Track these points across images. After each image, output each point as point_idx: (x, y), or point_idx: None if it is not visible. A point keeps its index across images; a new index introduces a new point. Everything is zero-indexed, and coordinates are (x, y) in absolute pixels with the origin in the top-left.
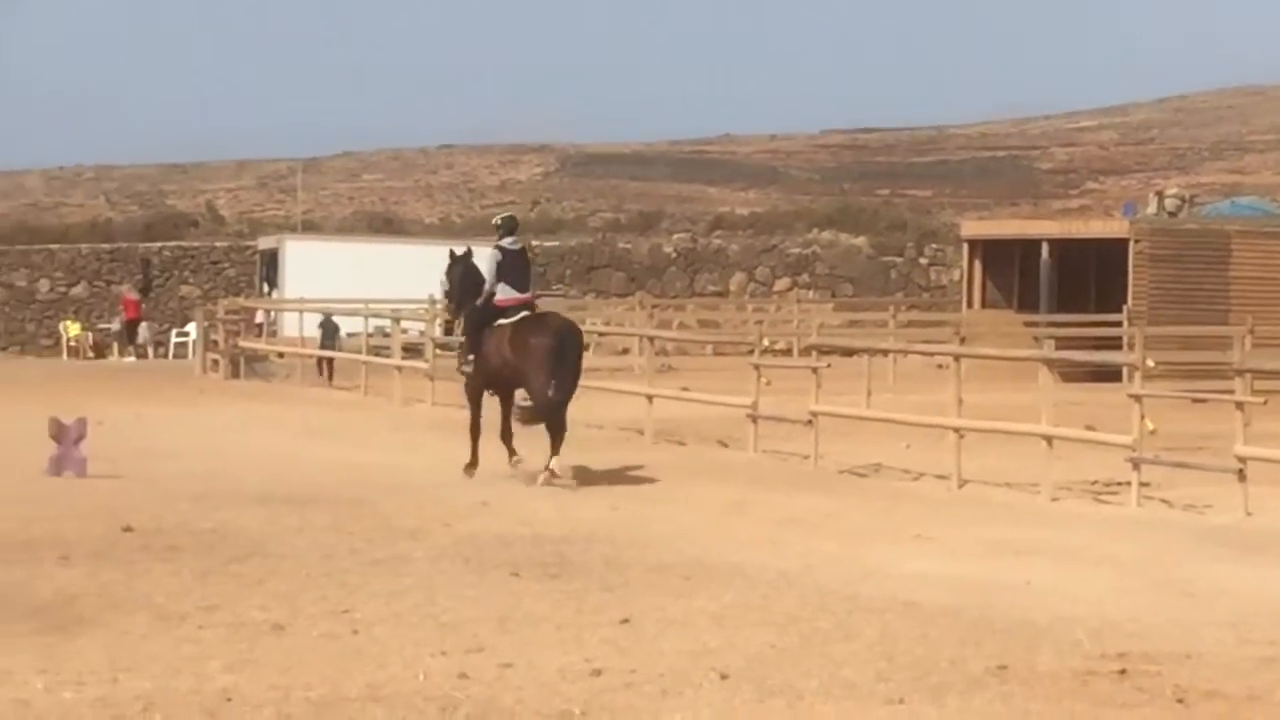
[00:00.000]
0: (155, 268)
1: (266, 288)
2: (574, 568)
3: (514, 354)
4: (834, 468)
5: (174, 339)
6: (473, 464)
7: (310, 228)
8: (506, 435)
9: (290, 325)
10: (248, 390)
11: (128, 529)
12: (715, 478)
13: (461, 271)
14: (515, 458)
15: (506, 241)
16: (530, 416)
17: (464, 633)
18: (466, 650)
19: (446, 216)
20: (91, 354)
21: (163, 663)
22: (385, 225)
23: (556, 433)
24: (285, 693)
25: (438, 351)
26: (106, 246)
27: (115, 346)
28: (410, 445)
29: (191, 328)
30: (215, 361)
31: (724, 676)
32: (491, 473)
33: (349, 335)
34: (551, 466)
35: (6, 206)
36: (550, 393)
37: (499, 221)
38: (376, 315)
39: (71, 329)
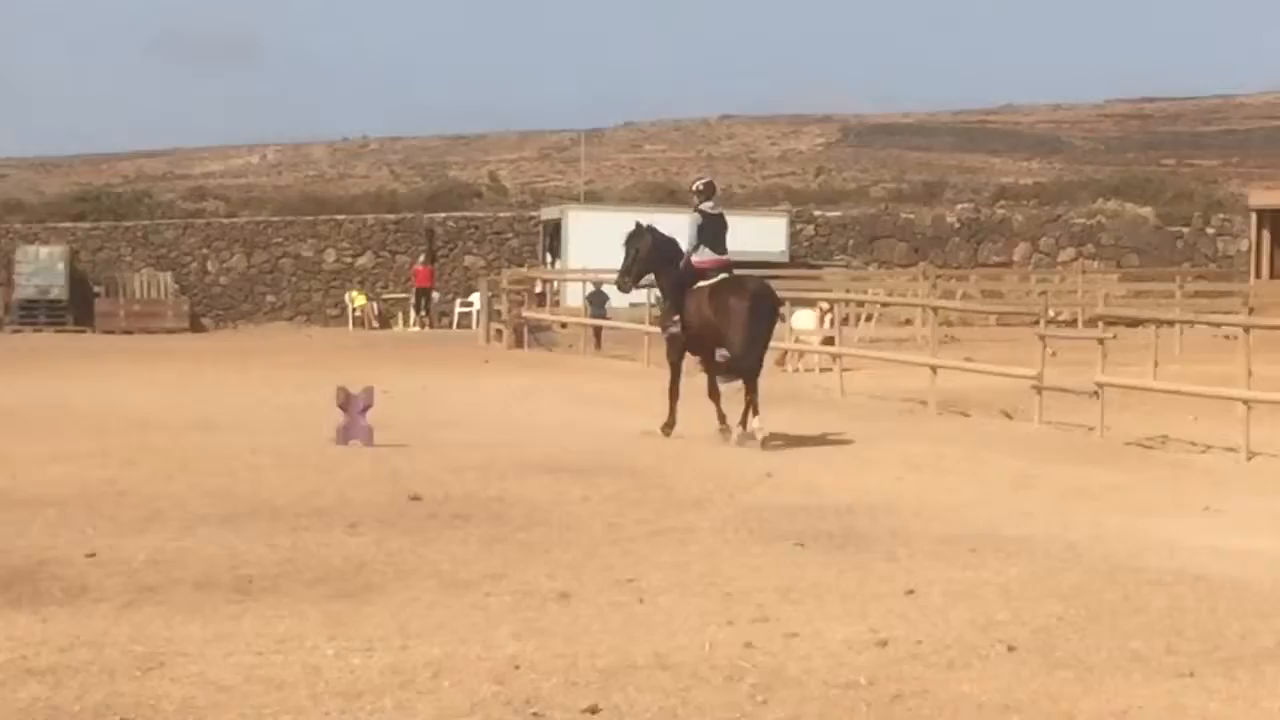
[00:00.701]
0: (439, 238)
1: (549, 258)
2: (859, 538)
3: (715, 314)
4: (1120, 439)
5: (458, 309)
6: (670, 424)
7: (592, 198)
8: (714, 394)
9: (573, 295)
10: (531, 360)
11: (414, 497)
12: (1000, 449)
13: (652, 243)
14: (723, 425)
15: (706, 206)
16: (726, 374)
17: (749, 602)
18: (752, 620)
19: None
20: (376, 324)
21: (450, 630)
22: (667, 196)
23: (752, 391)
24: (572, 660)
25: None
26: (391, 217)
27: (401, 316)
28: (691, 416)
29: (475, 298)
30: (499, 331)
31: (1011, 648)
32: (706, 434)
33: (631, 305)
34: (750, 427)
35: (293, 178)
36: (740, 350)
37: (700, 186)
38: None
39: (357, 299)
